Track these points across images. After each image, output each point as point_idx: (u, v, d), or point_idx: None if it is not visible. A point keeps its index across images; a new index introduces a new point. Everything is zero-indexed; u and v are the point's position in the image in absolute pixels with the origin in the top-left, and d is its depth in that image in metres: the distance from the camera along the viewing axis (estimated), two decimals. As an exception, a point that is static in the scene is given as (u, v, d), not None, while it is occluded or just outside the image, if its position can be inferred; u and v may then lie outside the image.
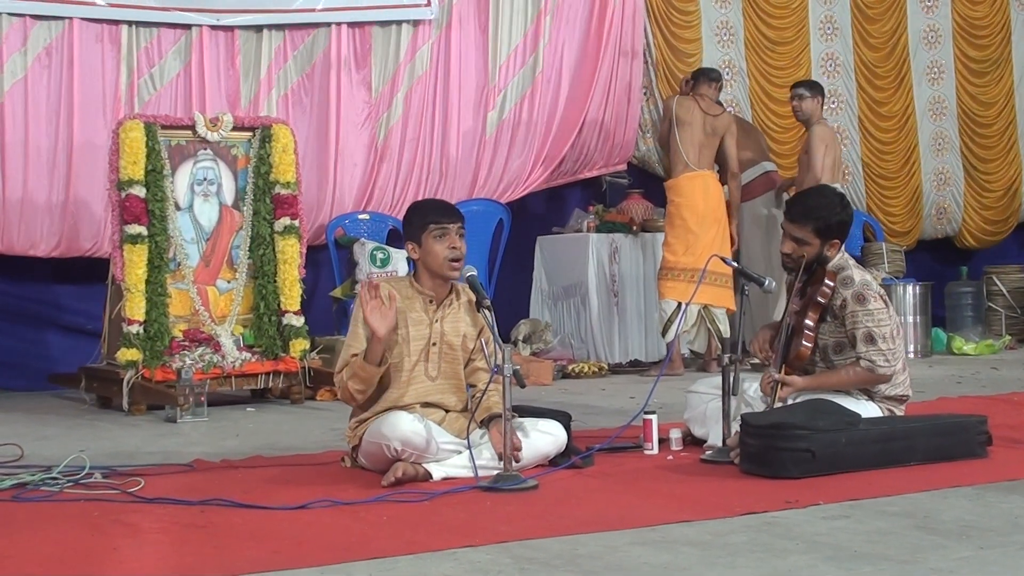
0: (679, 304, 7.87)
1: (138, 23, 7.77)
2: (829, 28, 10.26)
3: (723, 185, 8.21)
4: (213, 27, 7.94)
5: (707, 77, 8.22)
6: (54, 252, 7.67)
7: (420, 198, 7.62)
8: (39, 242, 7.61)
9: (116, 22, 7.71)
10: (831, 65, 10.26)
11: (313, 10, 8.27)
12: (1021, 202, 11.02)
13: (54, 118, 7.57)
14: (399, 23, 8.53)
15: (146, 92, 7.79)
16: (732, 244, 8.17)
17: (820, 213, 4.78)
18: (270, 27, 8.15)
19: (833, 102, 10.21)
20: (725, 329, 7.91)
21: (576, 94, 9.12)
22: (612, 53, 9.18)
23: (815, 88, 8.44)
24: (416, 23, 8.58)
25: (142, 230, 6.62)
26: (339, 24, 8.33)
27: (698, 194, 8.02)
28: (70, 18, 7.57)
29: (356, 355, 4.41)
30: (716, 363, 7.71)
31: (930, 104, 10.64)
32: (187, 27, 7.90)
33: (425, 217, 4.54)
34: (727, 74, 9.65)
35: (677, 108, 8.08)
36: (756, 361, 6.43)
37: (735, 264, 5.42)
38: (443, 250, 4.49)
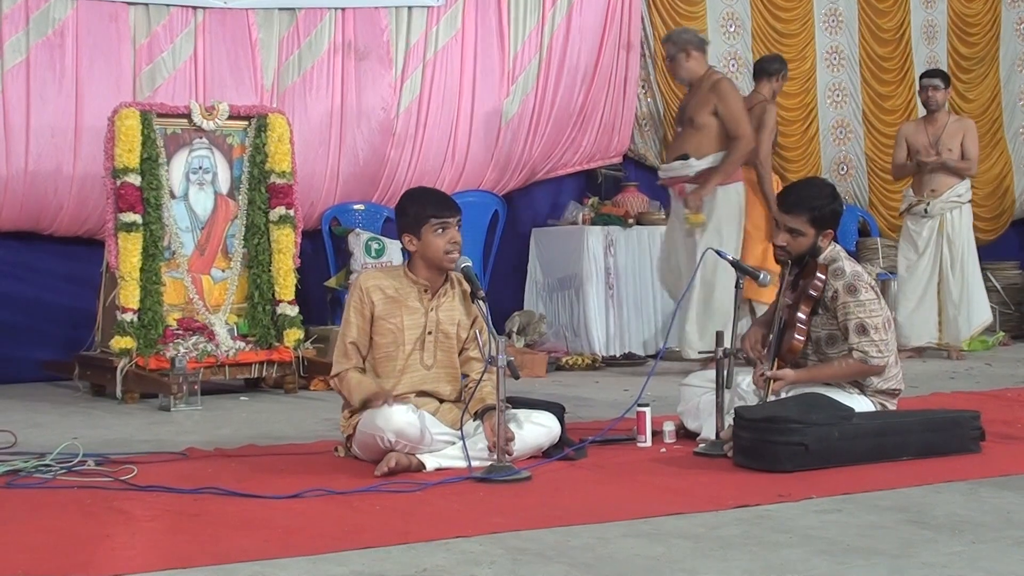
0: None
1: (147, 4, 7.71)
2: (833, 21, 10.24)
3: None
4: (222, 9, 7.87)
5: (763, 72, 8.14)
6: (55, 233, 7.64)
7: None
8: (40, 223, 7.57)
9: (125, 3, 7.65)
10: (835, 58, 10.25)
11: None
12: (1014, 199, 11.01)
13: (62, 99, 7.47)
14: (411, 8, 8.48)
15: (158, 76, 7.63)
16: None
17: (814, 203, 4.77)
18: (280, 11, 8.09)
19: (837, 95, 10.20)
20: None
21: (579, 86, 9.07)
22: (612, 45, 9.16)
23: (947, 80, 8.53)
24: (428, 9, 8.51)
25: (137, 218, 6.61)
26: (350, 8, 8.27)
27: None
28: None
29: (353, 342, 4.52)
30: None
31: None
32: (195, 9, 7.83)
33: (424, 210, 4.53)
34: (732, 66, 9.63)
35: None
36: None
37: (728, 257, 5.40)
38: (443, 244, 4.49)
